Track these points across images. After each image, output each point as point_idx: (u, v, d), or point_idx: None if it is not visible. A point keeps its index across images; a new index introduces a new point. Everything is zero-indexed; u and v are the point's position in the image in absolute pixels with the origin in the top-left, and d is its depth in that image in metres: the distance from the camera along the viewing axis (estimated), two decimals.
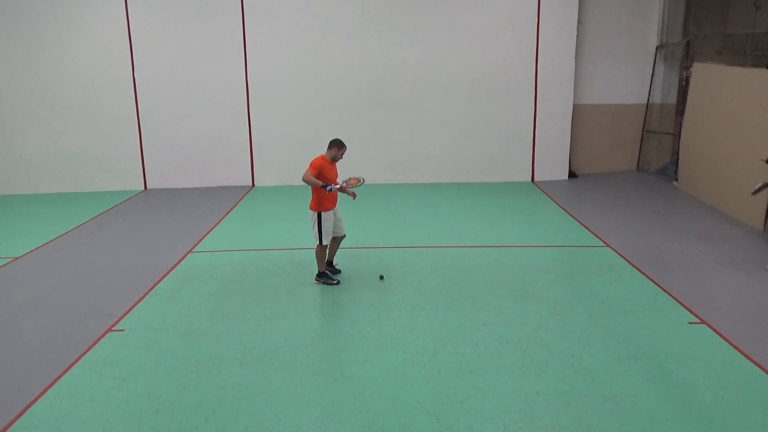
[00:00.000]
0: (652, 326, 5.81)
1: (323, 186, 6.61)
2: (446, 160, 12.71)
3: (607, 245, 8.32)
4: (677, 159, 11.92)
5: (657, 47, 12.81)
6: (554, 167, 12.75)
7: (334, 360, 5.33)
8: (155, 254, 8.37)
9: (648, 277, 7.10)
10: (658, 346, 5.41)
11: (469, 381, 4.89)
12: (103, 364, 5.32)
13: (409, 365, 5.17)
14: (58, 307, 6.64)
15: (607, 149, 13.36)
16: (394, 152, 12.65)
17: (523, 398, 4.63)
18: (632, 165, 13.55)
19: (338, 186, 6.83)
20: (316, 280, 7.13)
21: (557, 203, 10.77)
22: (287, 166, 12.25)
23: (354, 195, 7.19)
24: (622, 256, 7.83)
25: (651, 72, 12.96)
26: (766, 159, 7.65)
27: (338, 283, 7.08)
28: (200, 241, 8.97)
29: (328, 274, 7.17)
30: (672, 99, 12.85)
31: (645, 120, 13.21)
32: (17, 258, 8.41)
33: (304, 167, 6.92)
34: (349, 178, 7.10)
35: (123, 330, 6.01)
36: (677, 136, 12.15)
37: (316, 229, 6.86)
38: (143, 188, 12.83)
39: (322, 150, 7.11)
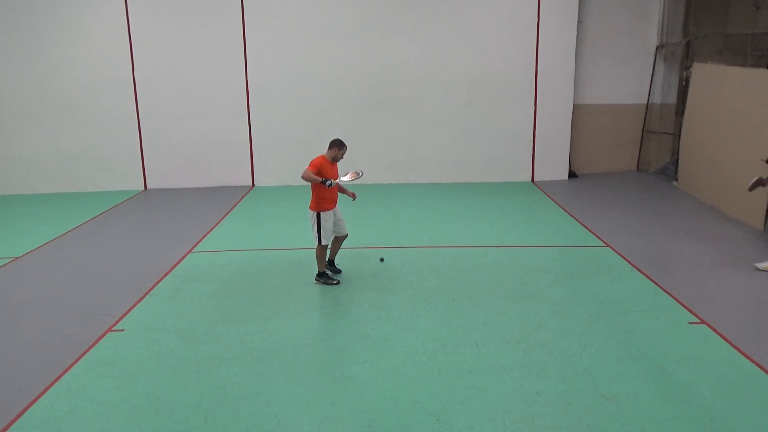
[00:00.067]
0: (652, 326, 5.81)
1: (322, 181, 6.60)
2: (446, 160, 12.71)
3: (607, 245, 8.32)
4: (677, 159, 11.92)
5: (657, 47, 12.81)
6: (554, 167, 12.75)
7: (334, 360, 5.33)
8: (155, 254, 8.37)
9: (648, 277, 7.10)
10: (658, 346, 5.41)
11: (469, 381, 4.89)
12: (103, 364, 5.32)
13: (409, 365, 5.16)
14: (58, 307, 6.64)
15: (607, 149, 13.36)
16: (394, 152, 12.66)
17: (523, 398, 4.63)
18: (632, 165, 13.55)
19: (338, 180, 6.81)
20: (316, 280, 7.13)
21: (557, 203, 10.77)
22: (287, 166, 12.25)
23: (354, 196, 7.19)
24: (622, 256, 7.83)
25: (651, 72, 12.97)
26: (766, 159, 7.66)
27: (338, 283, 7.08)
28: (200, 241, 8.97)
29: (328, 274, 7.17)
30: (672, 99, 12.85)
31: (645, 120, 13.21)
32: (17, 258, 8.41)
33: (304, 167, 6.92)
34: (348, 172, 7.09)
35: (123, 330, 6.01)
36: (677, 136, 12.15)
37: (316, 229, 6.86)
38: (143, 188, 12.83)
39: (322, 150, 7.11)
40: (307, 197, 7.04)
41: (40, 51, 12.16)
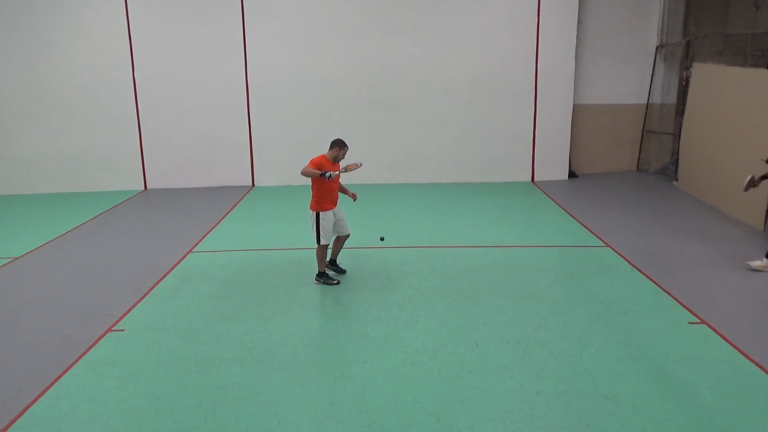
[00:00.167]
0: (652, 326, 5.81)
1: (322, 174, 6.58)
2: (446, 160, 12.71)
3: (607, 245, 8.32)
4: (677, 159, 11.92)
5: (657, 47, 12.81)
6: (554, 167, 12.75)
7: (334, 360, 5.33)
8: (155, 254, 8.37)
9: (648, 277, 7.10)
10: (658, 346, 5.41)
11: (469, 381, 4.89)
12: (103, 364, 5.32)
13: (409, 365, 5.16)
14: (58, 307, 6.64)
15: (607, 149, 13.36)
16: (394, 152, 12.65)
17: (523, 398, 4.63)
18: (632, 165, 13.55)
19: (338, 172, 6.78)
20: (316, 280, 7.13)
21: (557, 203, 10.77)
22: (287, 166, 12.24)
23: (354, 196, 7.19)
24: (622, 256, 7.83)
25: (651, 72, 12.97)
26: (766, 159, 7.66)
27: (338, 283, 7.08)
28: (200, 241, 8.97)
29: (328, 274, 7.17)
30: (672, 99, 12.85)
31: (645, 120, 13.21)
32: (17, 258, 8.41)
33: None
34: (347, 164, 7.08)
35: (123, 330, 6.01)
36: (677, 136, 12.15)
37: (315, 228, 6.86)
38: (143, 188, 12.83)
39: (322, 150, 7.11)
40: (307, 197, 7.04)
41: (40, 51, 12.16)
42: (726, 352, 5.29)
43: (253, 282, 7.23)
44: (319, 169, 6.66)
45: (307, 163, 6.87)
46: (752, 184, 7.28)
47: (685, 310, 6.17)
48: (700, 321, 5.92)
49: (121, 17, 12.08)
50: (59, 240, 9.23)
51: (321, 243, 6.91)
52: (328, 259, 7.35)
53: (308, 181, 6.94)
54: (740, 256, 7.70)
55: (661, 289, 6.72)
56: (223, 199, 11.63)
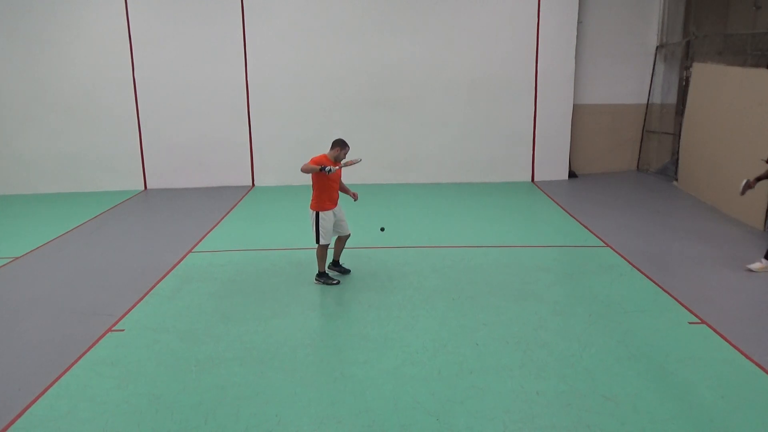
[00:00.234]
0: (652, 326, 5.81)
1: (321, 169, 6.57)
2: (446, 160, 12.71)
3: (607, 245, 8.32)
4: (677, 159, 11.92)
5: (657, 47, 12.81)
6: (554, 167, 12.75)
7: (334, 360, 5.33)
8: (155, 254, 8.37)
9: (648, 277, 7.10)
10: (658, 346, 5.41)
11: (469, 381, 4.89)
12: (103, 364, 5.32)
13: (409, 365, 5.16)
14: (58, 307, 6.64)
15: (607, 149, 13.36)
16: (394, 152, 12.65)
17: (523, 398, 4.63)
18: (632, 165, 13.55)
19: (337, 167, 6.76)
20: (316, 280, 7.13)
21: (557, 203, 10.77)
22: (287, 166, 12.24)
23: (355, 196, 7.19)
24: (622, 256, 7.83)
25: (651, 72, 12.97)
26: (766, 159, 7.66)
27: (338, 283, 7.08)
28: (200, 241, 8.97)
29: (328, 274, 7.17)
30: (672, 99, 12.85)
31: (645, 120, 13.22)
32: (17, 258, 8.41)
33: None
34: (347, 160, 7.06)
35: (123, 330, 6.01)
36: (677, 136, 12.15)
37: (315, 228, 6.86)
38: (143, 188, 12.83)
39: (322, 150, 7.10)
40: (307, 197, 7.04)
41: (40, 51, 12.16)
42: (726, 352, 5.29)
43: (253, 282, 7.23)
44: (318, 166, 6.65)
45: (307, 161, 6.86)
46: (748, 186, 7.29)
47: (685, 310, 6.17)
48: (700, 321, 5.92)
49: (121, 17, 12.08)
50: (59, 240, 9.23)
51: (321, 243, 6.91)
52: (330, 260, 7.35)
53: (308, 180, 6.94)
54: (740, 256, 7.70)
55: (661, 289, 6.72)
56: (223, 199, 11.63)
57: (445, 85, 12.38)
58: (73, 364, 5.34)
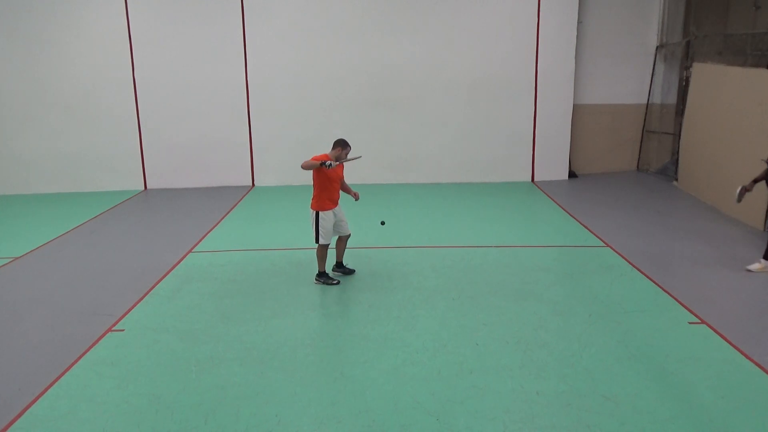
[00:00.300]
0: (652, 326, 5.81)
1: (321, 164, 6.56)
2: (446, 160, 12.71)
3: (607, 245, 8.32)
4: (677, 159, 11.92)
5: (657, 47, 12.81)
6: (554, 167, 12.75)
7: (334, 360, 5.33)
8: (155, 254, 8.37)
9: (648, 277, 7.10)
10: (658, 346, 5.41)
11: (469, 381, 4.89)
12: (103, 364, 5.32)
13: (409, 365, 5.16)
14: (58, 307, 6.64)
15: (607, 149, 13.36)
16: (394, 152, 12.65)
17: (523, 398, 4.63)
18: (632, 165, 13.55)
19: (338, 162, 6.74)
20: (316, 280, 7.13)
21: (557, 203, 10.77)
22: (287, 166, 12.24)
23: (357, 196, 7.19)
24: (622, 256, 7.83)
25: (651, 72, 12.97)
26: (766, 159, 7.66)
27: (338, 283, 7.08)
28: (200, 241, 8.97)
29: (327, 274, 7.17)
30: (672, 99, 12.85)
31: (645, 120, 13.22)
32: (17, 258, 8.41)
33: None
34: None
35: (123, 330, 6.01)
36: (677, 136, 12.15)
37: (315, 228, 6.86)
38: (143, 188, 12.83)
39: (322, 150, 7.10)
40: (307, 197, 7.04)
41: (40, 51, 12.16)
42: (726, 352, 5.29)
43: (253, 282, 7.23)
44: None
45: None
46: (745, 190, 7.30)
47: (685, 310, 6.17)
48: (700, 321, 5.92)
49: (121, 17, 12.08)
50: (59, 240, 9.23)
51: (320, 242, 6.91)
52: (334, 262, 7.34)
53: (309, 180, 6.94)
54: (740, 256, 7.70)
55: (661, 289, 6.72)
56: (223, 199, 11.63)
57: (445, 85, 12.38)
58: (73, 364, 5.34)
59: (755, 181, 7.32)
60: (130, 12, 12.07)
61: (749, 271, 7.20)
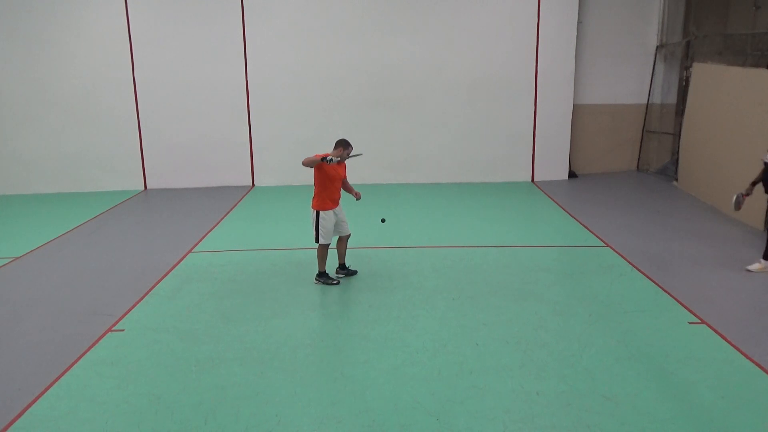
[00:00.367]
0: (652, 326, 5.81)
1: (323, 159, 6.54)
2: (446, 160, 12.71)
3: (607, 245, 8.32)
4: (677, 159, 11.92)
5: (657, 47, 12.81)
6: (554, 167, 12.75)
7: (334, 360, 5.33)
8: (155, 254, 8.37)
9: (648, 277, 7.10)
10: (658, 346, 5.41)
11: (469, 381, 4.89)
12: (103, 364, 5.32)
13: (409, 365, 5.16)
14: (58, 307, 6.64)
15: (607, 149, 13.36)
16: (394, 152, 12.66)
17: (523, 398, 4.63)
18: (632, 165, 13.55)
19: (338, 159, 6.74)
20: (316, 280, 7.13)
21: (557, 203, 10.77)
22: (287, 166, 12.25)
23: (358, 195, 7.18)
24: (622, 256, 7.83)
25: (651, 72, 12.97)
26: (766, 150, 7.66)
27: (338, 283, 7.08)
28: (200, 241, 8.97)
29: (327, 274, 7.17)
30: (672, 99, 12.85)
31: (645, 120, 13.22)
32: (17, 258, 8.41)
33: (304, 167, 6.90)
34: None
35: (123, 330, 6.01)
36: (677, 136, 12.15)
37: (315, 227, 6.86)
38: (143, 188, 12.83)
39: (322, 150, 7.10)
40: (307, 197, 7.04)
41: (40, 51, 12.16)
42: (726, 352, 5.29)
43: (253, 282, 7.23)
44: (321, 164, 6.63)
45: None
46: (744, 197, 7.30)
47: (685, 310, 6.17)
48: (700, 321, 5.92)
49: (121, 17, 12.08)
50: (59, 240, 9.23)
51: (320, 242, 6.91)
52: (336, 264, 7.33)
53: (309, 180, 6.94)
54: (740, 257, 7.70)
55: (661, 289, 6.72)
56: (223, 199, 11.63)
57: (445, 85, 12.38)
58: (73, 364, 5.34)
59: (753, 183, 7.32)
60: (130, 12, 12.07)
61: (749, 271, 7.21)
